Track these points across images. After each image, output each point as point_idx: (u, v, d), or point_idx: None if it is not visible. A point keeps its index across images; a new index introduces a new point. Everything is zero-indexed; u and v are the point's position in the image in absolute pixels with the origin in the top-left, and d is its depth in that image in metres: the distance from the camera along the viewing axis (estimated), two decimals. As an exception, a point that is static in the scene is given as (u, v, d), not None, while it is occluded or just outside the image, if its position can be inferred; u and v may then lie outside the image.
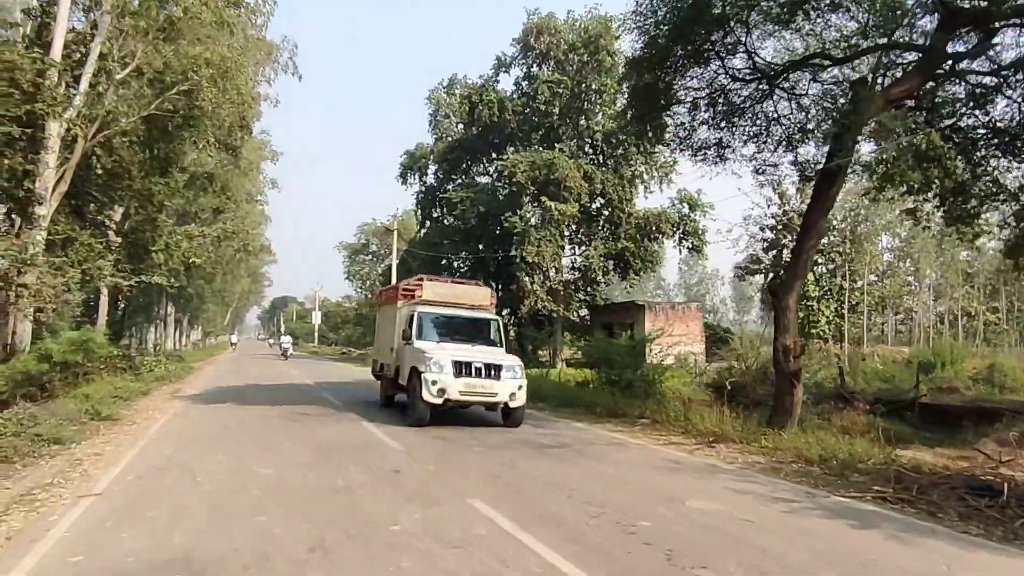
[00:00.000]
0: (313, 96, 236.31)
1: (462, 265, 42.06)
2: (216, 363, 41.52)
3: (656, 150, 36.49)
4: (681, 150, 18.15)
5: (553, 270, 34.67)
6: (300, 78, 44.70)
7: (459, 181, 42.11)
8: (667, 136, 18.12)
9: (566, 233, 34.49)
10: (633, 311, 37.22)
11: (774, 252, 42.87)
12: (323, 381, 23.03)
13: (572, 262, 36.84)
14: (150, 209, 24.14)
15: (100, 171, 21.84)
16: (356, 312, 66.81)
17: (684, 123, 18.06)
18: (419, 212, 44.94)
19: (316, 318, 69.33)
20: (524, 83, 38.07)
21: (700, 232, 35.86)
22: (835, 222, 42.15)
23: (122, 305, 50.99)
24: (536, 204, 33.69)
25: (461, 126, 42.84)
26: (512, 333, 43.42)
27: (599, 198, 36.00)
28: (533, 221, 33.51)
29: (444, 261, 41.94)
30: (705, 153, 18.27)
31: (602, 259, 35.19)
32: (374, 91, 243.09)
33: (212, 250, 40.21)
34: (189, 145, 27.77)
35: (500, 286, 42.29)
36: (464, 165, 41.40)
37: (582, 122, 36.50)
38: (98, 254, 20.74)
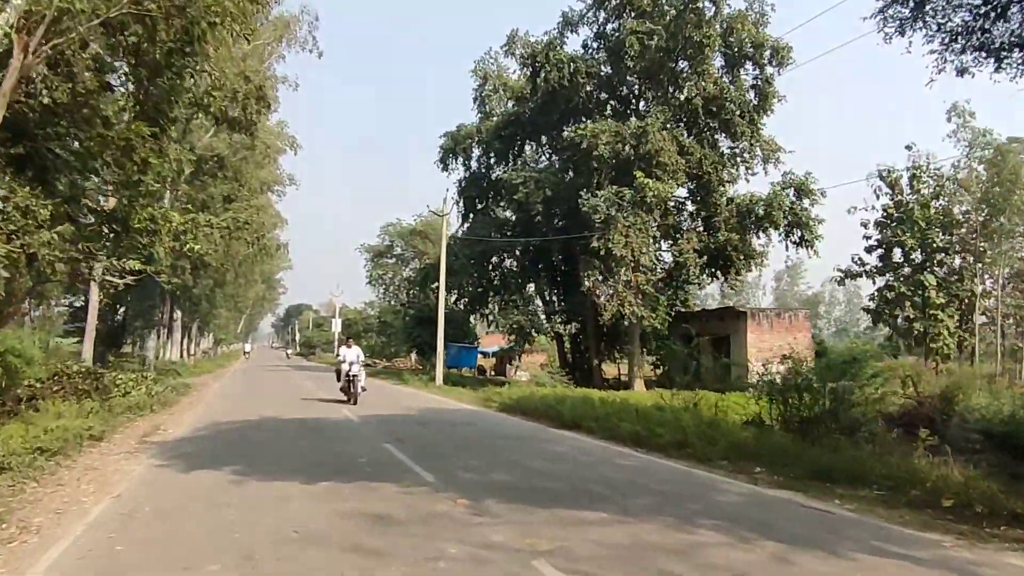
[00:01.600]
0: (333, 82, 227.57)
1: (516, 264, 34.75)
2: (224, 376, 34.25)
3: (762, 122, 29.29)
4: (974, 49, 10.90)
5: (641, 267, 27.26)
6: (320, 55, 37.75)
7: (513, 164, 34.89)
8: (952, 26, 10.84)
9: (655, 221, 27.04)
10: (730, 319, 29.78)
11: (881, 251, 35.39)
12: (371, 414, 15.62)
13: (655, 258, 29.34)
14: (129, 167, 16.84)
15: (47, 100, 14.60)
16: (379, 319, 59.50)
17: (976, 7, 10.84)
18: (462, 202, 37.61)
19: (336, 325, 61.96)
20: (595, 44, 30.88)
21: (812, 223, 28.37)
22: (961, 211, 34.68)
23: (122, 309, 44.20)
24: (621, 185, 26.31)
25: (512, 103, 35.65)
26: (566, 344, 36.10)
27: (693, 180, 28.70)
28: (612, 210, 26.03)
29: (495, 257, 34.69)
30: (1009, 56, 11.04)
31: (696, 255, 27.74)
32: (401, 79, 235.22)
33: (222, 243, 33.22)
34: (187, 87, 20.59)
35: (562, 290, 34.99)
36: (518, 145, 34.13)
37: (670, 88, 29.23)
38: (40, 223, 13.46)
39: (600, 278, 30.73)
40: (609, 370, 36.66)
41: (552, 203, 29.27)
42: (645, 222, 25.80)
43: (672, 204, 28.19)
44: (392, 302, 60.54)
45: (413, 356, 60.07)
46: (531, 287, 36.98)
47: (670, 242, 29.04)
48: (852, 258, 36.59)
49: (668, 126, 27.35)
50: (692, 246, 27.72)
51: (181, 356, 50.90)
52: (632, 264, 26.84)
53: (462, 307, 40.19)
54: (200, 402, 18.40)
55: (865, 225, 35.89)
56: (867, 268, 36.03)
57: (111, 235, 18.43)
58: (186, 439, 11.73)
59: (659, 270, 29.66)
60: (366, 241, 61.56)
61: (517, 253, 33.35)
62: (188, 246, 20.38)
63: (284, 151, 47.53)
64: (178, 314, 46.58)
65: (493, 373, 47.23)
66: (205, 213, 34.07)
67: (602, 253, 26.62)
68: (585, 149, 26.32)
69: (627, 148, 26.48)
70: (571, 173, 30.27)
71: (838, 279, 38.09)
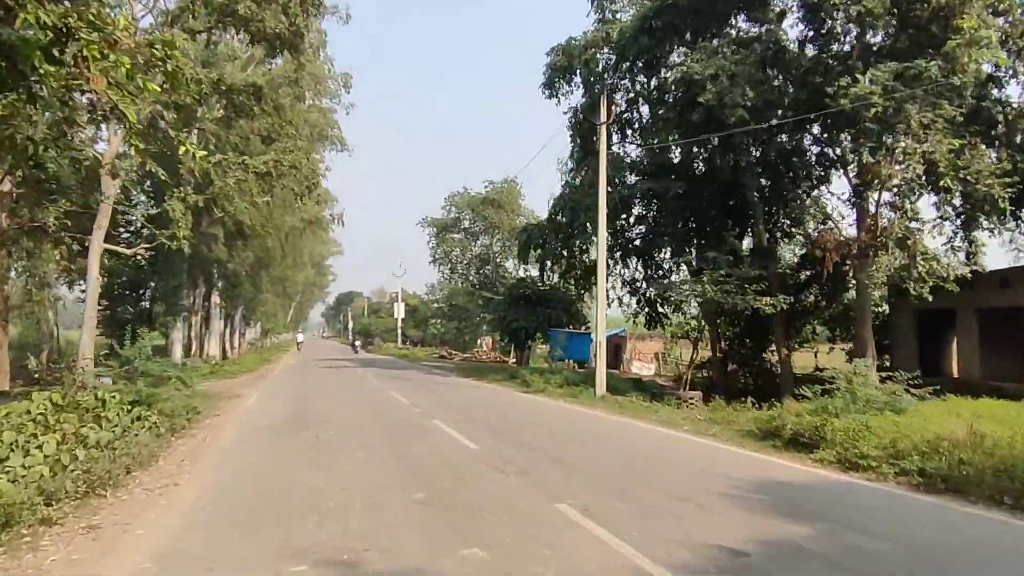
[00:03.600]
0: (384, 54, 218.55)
1: (667, 214, 23.63)
2: (268, 380, 24.09)
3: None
4: None
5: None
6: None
7: (654, 77, 23.92)
8: None
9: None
10: (1025, 285, 18.45)
11: None
12: (659, 534, 4.88)
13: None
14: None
15: None
16: (450, 303, 49.00)
17: None
18: (577, 142, 26.82)
19: (399, 311, 51.70)
20: None
21: None
22: None
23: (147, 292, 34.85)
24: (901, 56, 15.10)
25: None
26: (721, 328, 25.04)
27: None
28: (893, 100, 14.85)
29: (639, 207, 23.86)
30: None
31: (1000, 181, 16.37)
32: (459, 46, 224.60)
33: (263, 206, 23.13)
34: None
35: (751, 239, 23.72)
36: (672, 44, 22.87)
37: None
38: None
39: (826, 224, 19.95)
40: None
41: (754, 114, 18.16)
42: (952, 117, 14.65)
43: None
44: (461, 283, 50.10)
45: (486, 345, 49.75)
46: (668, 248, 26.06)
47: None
48: None
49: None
50: (989, 168, 16.39)
51: (223, 350, 41.31)
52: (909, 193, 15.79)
53: (572, 283, 29.51)
54: (189, 474, 7.70)
55: None
56: None
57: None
58: None
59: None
60: (429, 214, 50.96)
61: (669, 197, 22.26)
62: (185, 150, 9.92)
63: (335, 109, 37.41)
64: (216, 299, 36.84)
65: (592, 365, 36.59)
66: (236, 154, 24.31)
67: (864, 173, 15.65)
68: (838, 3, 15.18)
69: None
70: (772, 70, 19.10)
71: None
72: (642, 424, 11.73)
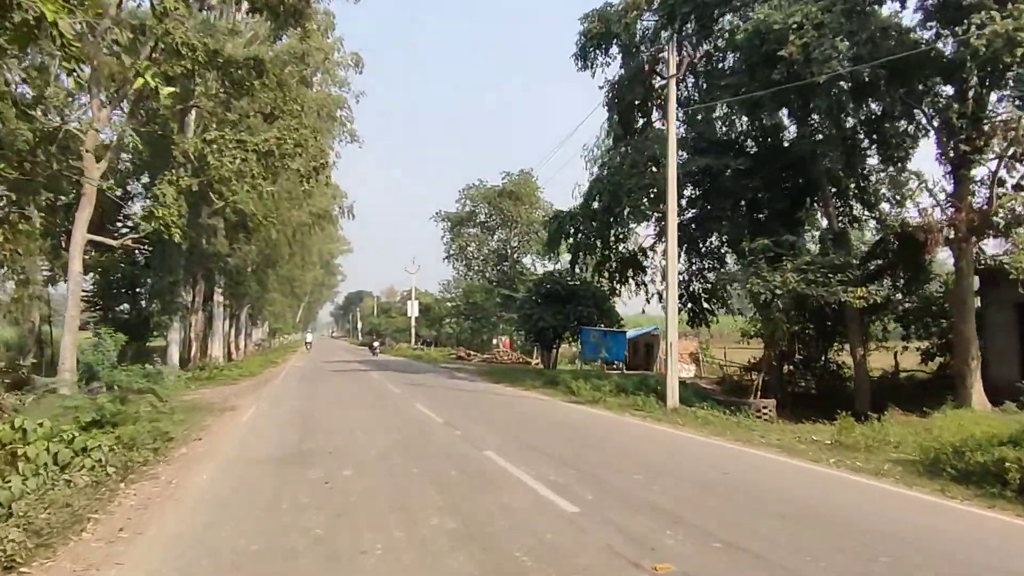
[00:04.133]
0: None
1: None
2: (271, 386, 21.07)
3: None
4: None
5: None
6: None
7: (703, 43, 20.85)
8: None
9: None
10: None
11: None
12: None
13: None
14: None
15: None
16: (467, 301, 45.90)
17: None
18: (613, 119, 23.76)
19: (413, 309, 48.63)
20: None
21: None
22: None
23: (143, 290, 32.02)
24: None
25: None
26: (784, 326, 21.78)
27: None
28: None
29: (692, 187, 20.82)
30: None
31: None
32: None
33: (262, 175, 20.05)
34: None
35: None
36: (721, 8, 19.62)
37: None
38: None
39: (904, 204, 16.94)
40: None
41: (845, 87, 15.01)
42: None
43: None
44: (478, 280, 47.05)
45: (502, 344, 46.68)
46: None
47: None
48: None
49: None
50: None
51: (228, 351, 38.45)
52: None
53: (606, 276, 26.31)
54: (119, 565, 4.51)
55: None
56: None
57: None
58: None
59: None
60: (443, 208, 47.99)
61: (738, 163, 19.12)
62: (143, 82, 6.39)
63: (344, 102, 34.34)
64: (219, 298, 33.91)
65: (624, 367, 33.49)
66: (233, 131, 21.42)
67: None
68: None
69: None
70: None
71: None
72: (765, 454, 8.59)
